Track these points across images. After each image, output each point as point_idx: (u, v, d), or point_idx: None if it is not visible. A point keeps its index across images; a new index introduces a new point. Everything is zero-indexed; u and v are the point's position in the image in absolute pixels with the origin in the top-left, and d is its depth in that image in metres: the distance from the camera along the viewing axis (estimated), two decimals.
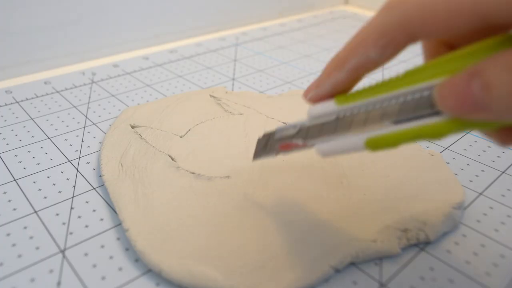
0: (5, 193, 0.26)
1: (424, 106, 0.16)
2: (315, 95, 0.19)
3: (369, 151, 0.18)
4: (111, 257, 0.22)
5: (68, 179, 0.27)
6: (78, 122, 0.34)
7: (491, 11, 0.13)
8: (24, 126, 0.33)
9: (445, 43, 0.19)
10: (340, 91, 0.19)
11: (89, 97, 0.38)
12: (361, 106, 0.18)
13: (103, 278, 0.21)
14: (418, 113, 0.16)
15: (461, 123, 0.15)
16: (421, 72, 0.16)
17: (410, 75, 0.16)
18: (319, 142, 0.20)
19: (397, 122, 0.17)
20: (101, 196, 0.26)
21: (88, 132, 0.32)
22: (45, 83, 0.40)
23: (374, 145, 0.18)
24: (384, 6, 0.16)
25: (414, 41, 0.16)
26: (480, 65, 0.13)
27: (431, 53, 0.20)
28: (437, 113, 0.16)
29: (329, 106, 0.19)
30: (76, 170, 0.28)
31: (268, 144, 0.23)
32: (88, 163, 0.29)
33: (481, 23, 0.13)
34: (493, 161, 0.29)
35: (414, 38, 0.16)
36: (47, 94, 0.38)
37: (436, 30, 0.15)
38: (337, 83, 0.18)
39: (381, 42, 0.16)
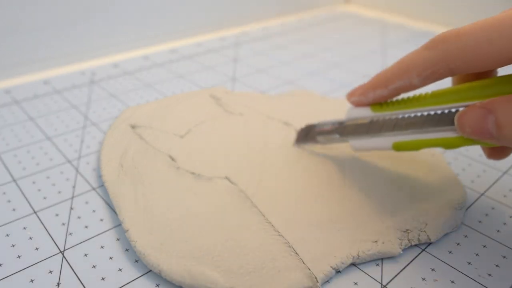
0: (4, 193, 0.26)
1: (445, 122, 0.20)
2: (358, 101, 0.24)
3: (394, 151, 0.23)
4: (111, 258, 0.22)
5: (67, 179, 0.27)
6: (78, 122, 0.34)
7: None
8: (24, 126, 0.33)
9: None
10: (378, 101, 0.23)
11: (89, 97, 0.38)
12: (391, 114, 0.23)
13: (103, 278, 0.20)
14: (439, 127, 0.21)
15: (470, 141, 0.19)
16: (446, 95, 0.20)
17: (437, 96, 0.21)
18: (352, 139, 0.25)
19: (420, 131, 0.21)
20: (101, 197, 0.26)
21: (88, 132, 0.32)
22: (45, 83, 0.40)
23: (399, 147, 0.22)
24: (429, 43, 0.20)
25: (452, 75, 0.19)
26: (495, 103, 0.17)
27: (458, 78, 0.23)
28: (453, 129, 0.20)
29: (366, 112, 0.24)
30: (75, 171, 0.28)
31: (309, 134, 0.28)
32: (88, 163, 0.29)
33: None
34: (495, 162, 0.29)
35: (453, 73, 0.19)
36: (46, 94, 0.38)
37: (473, 68, 0.18)
38: (379, 97, 0.23)
39: (424, 74, 0.20)
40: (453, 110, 0.20)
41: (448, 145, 0.21)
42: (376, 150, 0.24)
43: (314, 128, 0.27)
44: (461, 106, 0.20)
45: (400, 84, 0.21)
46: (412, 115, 0.22)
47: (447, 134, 0.20)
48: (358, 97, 0.24)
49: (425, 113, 0.21)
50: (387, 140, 0.23)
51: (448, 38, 0.19)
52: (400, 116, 0.22)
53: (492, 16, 0.18)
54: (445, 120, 0.21)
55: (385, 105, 0.23)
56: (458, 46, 0.18)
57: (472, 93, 0.19)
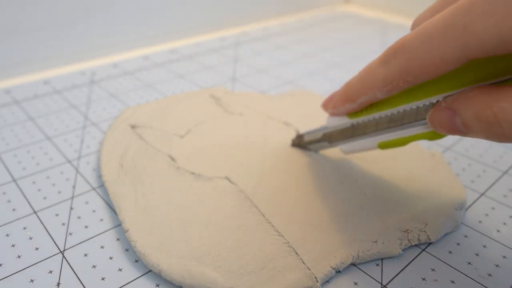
0: (4, 193, 0.26)
1: (422, 115, 0.20)
2: (332, 113, 0.25)
3: (380, 149, 0.23)
4: (111, 258, 0.22)
5: (67, 179, 0.27)
6: (78, 122, 0.34)
7: (474, 54, 0.16)
8: (24, 126, 0.33)
9: None
10: (351, 112, 0.24)
11: (89, 97, 0.38)
12: (369, 117, 0.23)
13: (103, 278, 0.20)
14: (418, 121, 0.21)
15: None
16: (415, 93, 0.20)
17: (406, 94, 0.21)
18: (340, 144, 0.26)
19: (401, 127, 0.22)
20: (101, 197, 0.26)
21: (88, 132, 0.32)
22: (45, 83, 0.40)
23: (385, 146, 0.23)
24: (382, 58, 0.20)
25: (414, 84, 0.19)
26: (457, 103, 0.18)
27: None
28: None
29: (344, 119, 0.24)
30: (75, 171, 0.28)
31: (301, 144, 0.29)
32: (88, 163, 0.29)
33: (464, 61, 0.16)
34: (495, 162, 0.29)
35: (414, 83, 0.19)
36: (46, 94, 0.38)
37: (430, 75, 0.18)
38: (350, 110, 0.23)
39: (385, 88, 0.20)
40: (427, 103, 0.20)
41: (432, 137, 0.21)
42: (364, 151, 0.24)
43: (303, 139, 0.28)
44: (432, 100, 0.20)
45: (366, 99, 0.21)
46: (389, 113, 0.22)
47: (428, 127, 0.20)
48: (331, 111, 0.24)
49: (402, 110, 0.21)
50: (373, 140, 0.23)
51: (397, 51, 0.18)
52: (379, 116, 0.22)
53: (435, 16, 0.17)
54: (422, 113, 0.20)
55: (359, 112, 0.23)
56: (406, 59, 0.18)
57: (439, 86, 0.19)
